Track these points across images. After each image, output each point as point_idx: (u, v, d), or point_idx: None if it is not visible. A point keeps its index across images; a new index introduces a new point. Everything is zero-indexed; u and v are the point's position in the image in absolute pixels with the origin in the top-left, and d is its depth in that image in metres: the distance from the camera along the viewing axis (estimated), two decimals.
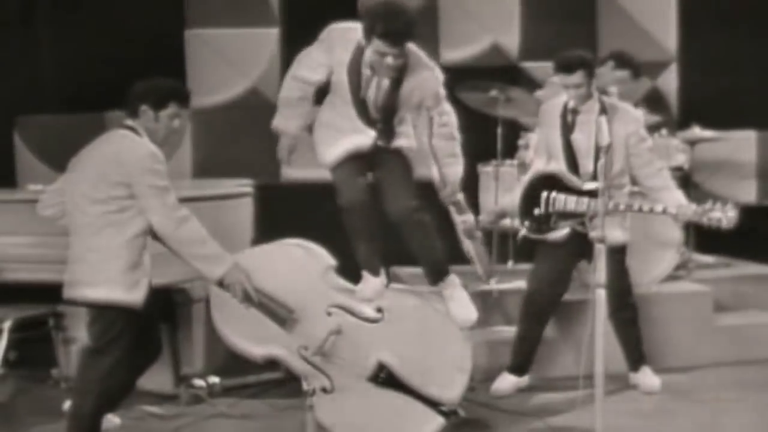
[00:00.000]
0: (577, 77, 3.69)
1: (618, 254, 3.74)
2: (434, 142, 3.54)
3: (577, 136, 3.75)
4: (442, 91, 3.51)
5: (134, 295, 3.14)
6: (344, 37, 3.44)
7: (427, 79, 3.44)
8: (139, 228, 3.15)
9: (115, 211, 3.14)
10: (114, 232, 3.13)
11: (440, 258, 3.54)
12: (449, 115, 3.55)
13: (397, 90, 3.42)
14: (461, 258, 3.87)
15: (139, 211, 3.14)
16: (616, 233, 3.65)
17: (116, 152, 3.19)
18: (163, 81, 3.30)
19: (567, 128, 3.75)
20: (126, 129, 3.24)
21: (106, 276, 3.12)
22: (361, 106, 3.45)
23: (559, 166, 3.77)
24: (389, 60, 3.32)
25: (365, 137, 3.47)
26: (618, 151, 3.65)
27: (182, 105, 3.25)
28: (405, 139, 3.54)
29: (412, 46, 3.41)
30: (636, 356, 3.91)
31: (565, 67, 3.72)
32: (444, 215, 3.64)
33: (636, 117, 3.80)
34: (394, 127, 3.49)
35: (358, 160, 3.49)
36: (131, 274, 3.14)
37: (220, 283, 3.23)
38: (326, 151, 3.52)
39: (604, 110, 3.70)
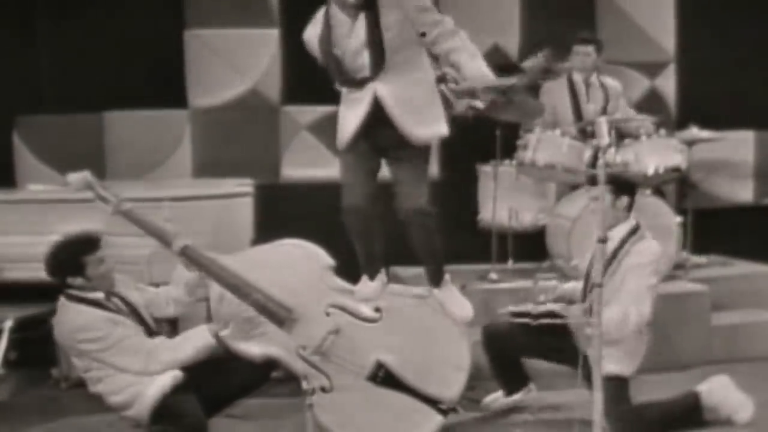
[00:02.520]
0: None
1: (611, 383, 3.35)
2: (434, 49, 3.22)
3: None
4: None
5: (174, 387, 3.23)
6: (313, 24, 3.38)
7: None
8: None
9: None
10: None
11: (441, 263, 3.51)
12: (445, 18, 3.24)
13: (377, 20, 3.21)
14: (457, 257, 3.87)
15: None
16: (609, 365, 3.33)
17: (58, 329, 3.29)
18: (66, 246, 3.32)
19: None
20: (64, 297, 3.30)
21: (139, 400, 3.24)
22: (334, 62, 3.28)
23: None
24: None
25: (362, 94, 3.30)
26: (619, 281, 3.47)
27: (96, 250, 3.29)
28: (419, 114, 3.27)
29: None
30: None
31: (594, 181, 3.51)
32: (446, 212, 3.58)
33: (648, 251, 3.55)
34: (383, 42, 3.21)
35: (366, 157, 3.38)
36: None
37: None
38: (338, 138, 3.43)
39: (627, 238, 3.56)
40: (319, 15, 3.39)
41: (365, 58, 3.29)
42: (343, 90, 3.43)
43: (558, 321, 3.51)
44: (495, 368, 3.77)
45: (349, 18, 3.29)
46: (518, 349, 3.72)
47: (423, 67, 3.37)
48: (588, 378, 3.20)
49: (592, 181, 3.62)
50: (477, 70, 3.25)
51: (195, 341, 3.29)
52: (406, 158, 3.38)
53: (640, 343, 3.58)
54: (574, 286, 3.74)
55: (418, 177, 3.38)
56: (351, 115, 3.39)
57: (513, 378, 3.80)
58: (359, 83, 3.33)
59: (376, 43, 3.26)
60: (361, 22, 3.28)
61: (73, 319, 3.23)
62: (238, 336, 3.35)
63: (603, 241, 3.10)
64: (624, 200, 3.62)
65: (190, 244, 3.38)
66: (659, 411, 3.56)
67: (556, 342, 3.57)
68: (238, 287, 3.37)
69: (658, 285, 3.64)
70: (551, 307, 3.57)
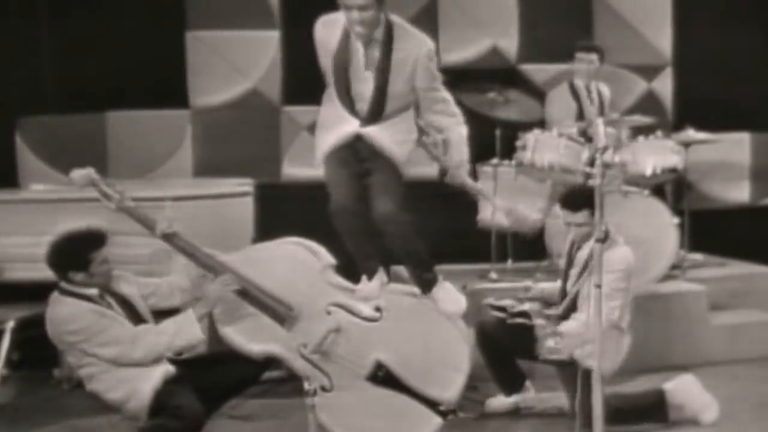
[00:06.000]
0: (582, 216, 3.57)
1: (586, 376, 3.32)
2: (430, 117, 3.46)
3: (570, 284, 3.67)
4: (434, 63, 3.43)
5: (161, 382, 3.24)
6: (327, 23, 3.43)
7: (417, 45, 3.37)
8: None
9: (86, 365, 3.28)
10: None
11: (425, 268, 3.52)
12: (447, 97, 3.46)
13: (389, 58, 3.35)
14: (457, 257, 3.89)
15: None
16: (588, 360, 3.35)
17: (47, 323, 3.29)
18: (73, 240, 3.32)
19: (569, 264, 3.69)
20: (58, 291, 3.30)
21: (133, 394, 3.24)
22: (344, 89, 3.40)
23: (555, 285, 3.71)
24: (355, 15, 3.27)
25: (347, 126, 3.43)
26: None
27: (102, 247, 3.29)
28: (399, 137, 3.44)
29: (396, 19, 3.39)
30: None
31: (570, 205, 3.61)
32: (433, 213, 3.63)
33: (618, 258, 3.59)
34: (385, 104, 3.40)
35: (349, 163, 3.45)
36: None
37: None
38: (317, 149, 3.53)
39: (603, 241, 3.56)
40: (335, 23, 3.40)
41: (368, 91, 3.40)
42: (332, 94, 3.47)
43: (528, 322, 3.55)
44: (491, 367, 3.79)
45: (363, 47, 3.37)
46: (511, 349, 3.73)
47: (409, 118, 3.50)
48: (568, 379, 3.18)
49: (571, 205, 3.64)
50: (460, 161, 3.53)
51: (177, 324, 3.28)
52: (379, 167, 3.45)
53: (618, 345, 3.60)
54: (553, 286, 3.76)
55: (388, 184, 3.43)
56: (331, 130, 3.47)
57: (509, 378, 3.81)
58: (354, 111, 3.43)
59: (380, 91, 3.38)
60: (374, 57, 3.36)
61: (59, 312, 3.24)
62: (224, 319, 3.36)
63: (602, 240, 3.13)
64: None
65: (177, 232, 3.39)
66: (624, 402, 3.58)
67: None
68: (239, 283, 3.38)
69: (631, 289, 3.64)
70: (526, 306, 3.60)
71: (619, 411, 3.48)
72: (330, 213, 3.45)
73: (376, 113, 3.42)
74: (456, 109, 3.52)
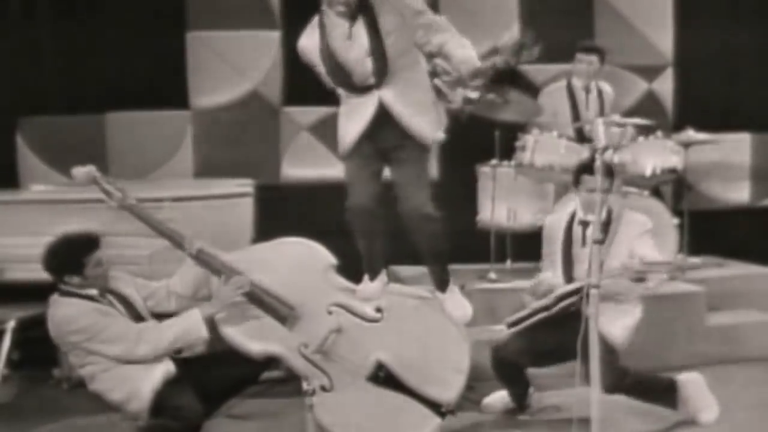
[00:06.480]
0: (610, 182, 3.55)
1: (610, 355, 3.47)
2: (423, 39, 3.32)
3: (580, 250, 3.68)
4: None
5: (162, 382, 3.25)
6: (305, 37, 3.42)
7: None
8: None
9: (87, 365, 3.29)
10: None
11: (445, 266, 3.53)
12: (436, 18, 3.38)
13: (375, 20, 3.31)
14: (456, 257, 3.90)
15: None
16: (612, 329, 3.53)
17: (49, 324, 3.30)
18: (65, 244, 3.31)
19: (569, 240, 3.71)
20: (58, 293, 3.31)
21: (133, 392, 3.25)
22: (345, 77, 3.35)
23: (556, 274, 3.72)
24: None
25: (368, 102, 3.37)
26: (620, 254, 3.56)
27: (95, 250, 3.29)
28: (421, 106, 3.37)
29: None
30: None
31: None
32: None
33: (642, 221, 3.70)
34: (388, 61, 3.32)
35: (370, 160, 3.43)
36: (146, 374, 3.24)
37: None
38: (342, 140, 3.48)
39: (609, 219, 3.63)
40: (313, 24, 3.42)
41: (369, 65, 3.36)
42: (343, 94, 3.47)
43: (571, 300, 3.51)
44: (506, 383, 3.83)
45: (347, 22, 3.34)
46: (525, 365, 3.78)
47: (421, 70, 3.46)
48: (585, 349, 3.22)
49: (589, 170, 3.65)
50: (463, 56, 3.33)
51: (183, 321, 3.29)
52: (407, 160, 3.43)
53: (635, 316, 3.68)
54: (550, 277, 3.75)
55: (419, 178, 3.43)
56: (354, 119, 3.43)
57: (521, 389, 3.86)
58: (364, 90, 3.39)
59: (378, 50, 3.34)
60: (361, 29, 3.34)
61: (62, 312, 3.25)
62: (231, 319, 3.37)
63: (600, 242, 3.14)
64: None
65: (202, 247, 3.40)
66: (642, 378, 3.67)
67: (559, 338, 3.55)
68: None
69: None
70: (544, 302, 3.61)
71: (635, 385, 3.58)
72: (347, 210, 3.44)
73: (382, 63, 3.33)
74: (449, 26, 3.37)
